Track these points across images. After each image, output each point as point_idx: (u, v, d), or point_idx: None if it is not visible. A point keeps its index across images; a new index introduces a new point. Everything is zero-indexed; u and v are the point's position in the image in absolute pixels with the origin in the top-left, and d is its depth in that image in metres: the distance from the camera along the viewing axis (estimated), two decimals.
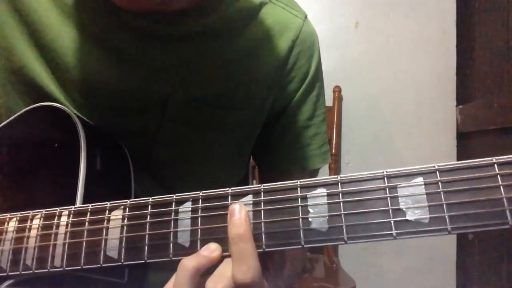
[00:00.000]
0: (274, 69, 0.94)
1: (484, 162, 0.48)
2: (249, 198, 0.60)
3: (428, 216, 0.50)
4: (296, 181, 0.58)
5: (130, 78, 0.85)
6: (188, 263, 0.58)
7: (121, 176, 0.85)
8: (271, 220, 0.58)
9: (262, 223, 0.58)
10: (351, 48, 2.63)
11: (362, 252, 2.61)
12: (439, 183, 0.50)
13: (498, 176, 0.47)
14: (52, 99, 0.86)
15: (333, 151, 2.44)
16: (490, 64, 2.31)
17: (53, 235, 0.67)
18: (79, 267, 0.64)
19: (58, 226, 0.67)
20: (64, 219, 0.67)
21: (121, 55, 0.85)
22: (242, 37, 0.90)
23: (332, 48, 2.61)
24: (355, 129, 2.62)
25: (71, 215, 0.67)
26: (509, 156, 0.47)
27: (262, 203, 0.59)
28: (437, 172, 0.51)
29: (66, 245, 0.66)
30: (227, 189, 0.61)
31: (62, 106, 0.82)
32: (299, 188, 0.58)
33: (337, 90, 2.55)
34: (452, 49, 2.58)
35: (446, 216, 0.48)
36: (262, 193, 0.59)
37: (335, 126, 2.51)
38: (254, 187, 0.60)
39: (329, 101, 2.40)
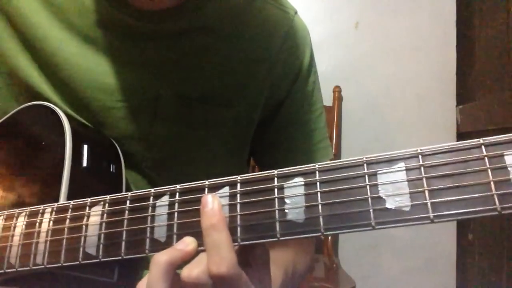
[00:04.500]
0: (266, 66, 0.91)
1: (471, 144, 0.43)
2: (226, 190, 0.56)
3: (410, 203, 0.44)
4: (273, 170, 0.54)
5: (119, 77, 0.84)
6: (161, 258, 0.54)
7: (111, 174, 0.83)
8: (247, 212, 0.54)
9: (238, 216, 0.54)
10: (351, 48, 2.60)
11: (362, 252, 2.57)
12: (422, 168, 0.45)
13: (486, 159, 0.42)
14: (44, 98, 0.85)
15: (333, 151, 2.40)
16: (490, 64, 2.28)
17: (35, 233, 0.65)
18: (59, 265, 0.62)
19: (41, 223, 0.66)
20: (47, 216, 0.66)
21: (110, 54, 0.84)
22: (232, 34, 0.89)
23: (332, 48, 2.57)
24: (355, 129, 2.58)
25: (54, 212, 0.65)
26: (497, 136, 0.41)
27: (238, 194, 0.55)
28: (420, 156, 0.45)
29: (48, 243, 0.64)
30: (204, 181, 0.57)
31: (50, 104, 0.82)
32: (276, 178, 0.54)
33: (337, 90, 2.52)
34: (452, 49, 2.55)
35: (428, 203, 0.43)
36: (238, 184, 0.55)
37: (335, 126, 2.48)
38: (231, 178, 0.56)
39: (329, 101, 2.42)
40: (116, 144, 0.86)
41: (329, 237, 2.43)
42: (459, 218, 0.41)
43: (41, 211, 0.67)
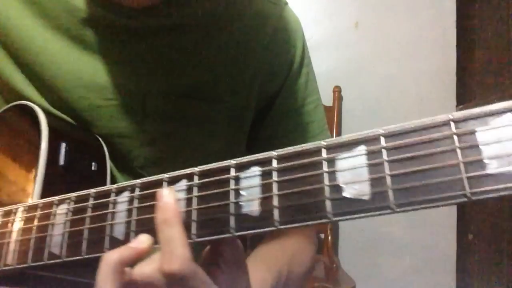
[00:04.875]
0: (257, 59, 0.88)
1: (439, 121, 0.36)
2: (183, 183, 0.51)
3: (369, 191, 0.37)
4: (230, 160, 0.49)
5: (106, 75, 0.82)
6: (110, 256, 0.50)
7: (93, 172, 0.80)
8: (202, 206, 0.49)
9: (193, 211, 0.49)
10: (351, 48, 2.56)
11: (362, 252, 2.53)
12: (383, 150, 0.38)
13: (455, 137, 0.34)
14: (30, 100, 0.83)
15: None
16: (490, 64, 2.25)
17: (7, 233, 0.64)
18: (27, 265, 0.60)
19: (13, 223, 0.64)
20: (19, 215, 0.64)
21: (96, 52, 0.82)
22: (221, 29, 0.86)
23: (332, 48, 2.53)
24: (355, 129, 2.46)
25: (25, 212, 0.64)
26: (469, 110, 0.34)
27: (195, 188, 0.50)
28: (382, 137, 0.38)
29: (17, 243, 0.62)
30: (163, 175, 0.54)
31: (29, 103, 0.80)
32: (232, 169, 0.48)
33: (337, 90, 2.48)
34: (452, 49, 2.51)
35: (390, 191, 0.36)
36: (196, 176, 0.51)
37: (335, 126, 2.43)
38: (189, 170, 0.52)
39: (329, 101, 2.39)
40: (102, 142, 0.84)
41: (329, 237, 2.40)
42: (425, 206, 0.34)
43: (14, 210, 0.65)
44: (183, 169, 0.84)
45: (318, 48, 2.40)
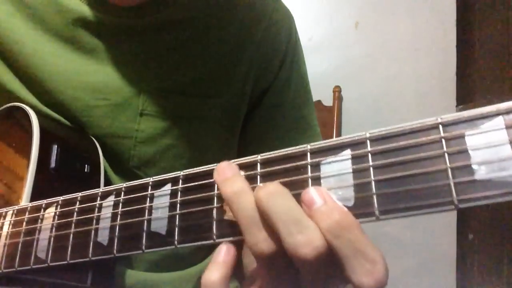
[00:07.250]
0: (250, 53, 0.89)
1: (428, 124, 0.34)
2: (168, 187, 0.50)
3: (353, 197, 0.35)
4: (214, 164, 0.47)
5: (99, 74, 0.83)
6: (209, 278, 0.44)
7: (85, 175, 0.79)
8: (185, 211, 0.47)
9: (176, 216, 0.47)
10: (351, 48, 2.52)
11: None
12: (369, 155, 0.36)
13: (443, 141, 0.32)
14: (24, 103, 0.82)
15: None
16: (490, 64, 2.23)
17: None
18: (14, 269, 0.60)
19: (2, 226, 0.64)
20: (8, 219, 0.64)
21: (88, 52, 0.82)
22: (214, 24, 0.86)
23: (332, 48, 2.50)
24: (355, 129, 2.44)
25: (14, 215, 0.64)
26: (458, 113, 0.32)
27: (178, 192, 0.49)
28: (368, 141, 0.36)
29: (5, 247, 0.62)
30: (148, 178, 0.52)
31: (22, 104, 0.80)
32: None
33: (337, 90, 2.45)
34: (452, 49, 2.46)
35: (374, 197, 0.34)
36: (180, 181, 0.49)
37: (335, 126, 2.40)
38: (174, 174, 0.50)
39: (329, 101, 2.37)
40: (97, 144, 0.83)
41: None
42: (410, 214, 0.32)
43: (4, 214, 0.65)
44: (180, 167, 0.83)
45: (318, 48, 2.39)
